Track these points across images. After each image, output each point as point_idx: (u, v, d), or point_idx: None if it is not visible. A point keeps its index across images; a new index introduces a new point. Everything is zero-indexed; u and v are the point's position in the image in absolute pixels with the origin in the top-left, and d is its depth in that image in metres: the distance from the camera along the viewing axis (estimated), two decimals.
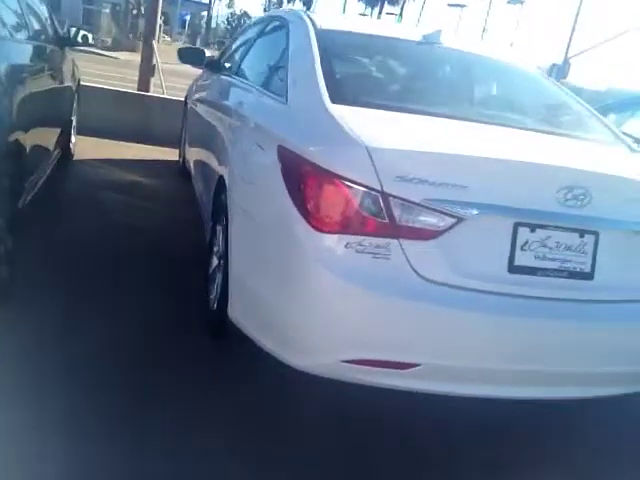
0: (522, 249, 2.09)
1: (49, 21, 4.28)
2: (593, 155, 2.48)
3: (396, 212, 1.97)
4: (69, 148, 5.10)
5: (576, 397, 2.30)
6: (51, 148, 4.03)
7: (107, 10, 31.15)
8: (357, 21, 4.70)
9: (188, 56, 4.59)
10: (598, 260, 2.17)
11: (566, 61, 23.63)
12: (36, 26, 3.75)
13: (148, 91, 8.47)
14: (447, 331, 2.04)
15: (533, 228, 2.08)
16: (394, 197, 1.96)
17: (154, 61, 8.60)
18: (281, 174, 2.18)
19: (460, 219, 2.00)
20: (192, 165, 4.68)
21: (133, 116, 6.95)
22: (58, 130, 4.35)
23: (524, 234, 2.08)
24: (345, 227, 1.99)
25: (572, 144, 2.55)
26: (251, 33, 4.19)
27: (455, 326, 2.04)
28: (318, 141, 2.17)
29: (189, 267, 3.46)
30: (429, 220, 1.99)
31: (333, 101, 2.32)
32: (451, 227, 2.00)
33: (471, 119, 2.48)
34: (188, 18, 47.56)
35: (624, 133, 5.30)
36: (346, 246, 1.98)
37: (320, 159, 2.04)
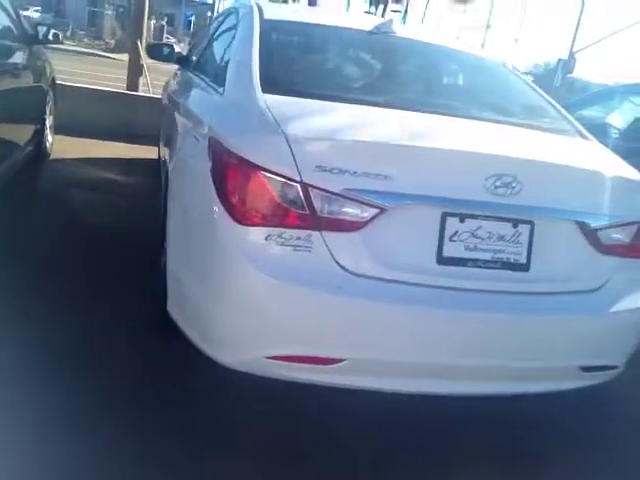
0: (451, 240, 2.03)
1: (15, 20, 4.26)
2: (530, 143, 2.39)
3: (316, 203, 1.91)
4: (43, 147, 5.07)
5: (513, 393, 2.24)
6: (18, 144, 4.03)
7: (110, 12, 31.30)
8: (309, 11, 4.62)
9: (157, 52, 4.51)
10: (534, 251, 2.10)
11: (571, 56, 23.38)
12: None
13: (137, 90, 8.47)
14: (373, 325, 1.98)
15: (462, 218, 2.02)
16: (313, 187, 1.90)
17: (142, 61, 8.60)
18: (209, 166, 2.13)
19: (383, 210, 1.94)
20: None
21: (118, 115, 6.89)
22: (26, 128, 4.33)
23: (453, 224, 2.02)
24: (265, 219, 1.93)
25: (513, 132, 2.46)
26: (214, 26, 4.15)
27: (381, 319, 1.98)
28: (241, 132, 2.11)
29: (148, 264, 3.41)
30: (351, 211, 1.93)
31: (264, 91, 2.26)
32: (374, 218, 1.94)
33: (410, 108, 2.39)
34: (193, 19, 47.50)
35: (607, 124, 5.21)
36: (267, 239, 1.92)
37: (240, 149, 1.99)
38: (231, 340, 2.05)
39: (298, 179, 1.90)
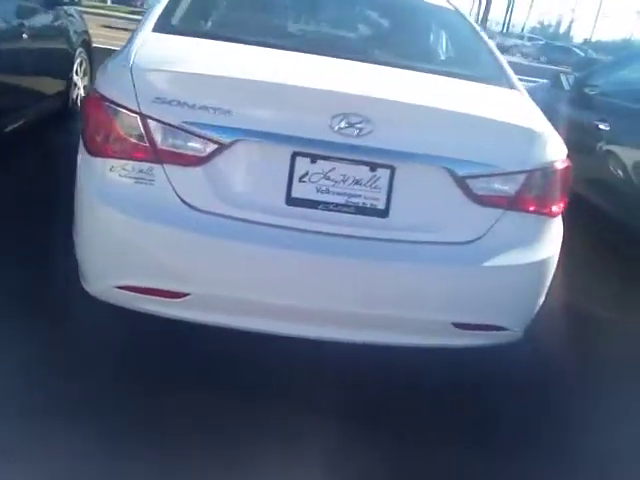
0: (301, 180, 1.98)
1: None
2: (408, 85, 2.26)
3: (156, 135, 1.93)
4: (70, 105, 5.38)
5: (384, 343, 2.17)
6: (39, 100, 4.59)
7: None
8: None
9: None
10: (394, 197, 2.01)
11: None
12: None
13: None
14: (217, 262, 1.99)
15: (314, 159, 1.96)
16: (153, 119, 1.92)
17: None
18: None
19: (223, 145, 1.92)
20: None
21: None
22: (49, 86, 4.75)
23: (303, 165, 1.97)
24: (109, 151, 1.96)
25: (406, 76, 2.34)
26: None
27: (225, 257, 1.98)
28: (104, 67, 2.17)
29: None
30: (191, 145, 1.93)
31: (154, 30, 2.30)
32: (215, 153, 1.93)
33: (304, 50, 2.33)
34: None
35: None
36: (111, 170, 1.96)
37: (96, 83, 2.06)
38: (89, 270, 2.12)
39: (137, 110, 1.92)
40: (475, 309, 2.13)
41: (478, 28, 2.97)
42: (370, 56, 2.49)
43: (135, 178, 1.96)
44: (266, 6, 2.99)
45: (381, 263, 2.02)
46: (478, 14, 38.30)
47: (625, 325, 3.25)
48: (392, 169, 1.99)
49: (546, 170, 2.11)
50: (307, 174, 1.97)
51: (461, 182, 2.02)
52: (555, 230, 2.21)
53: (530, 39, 49.63)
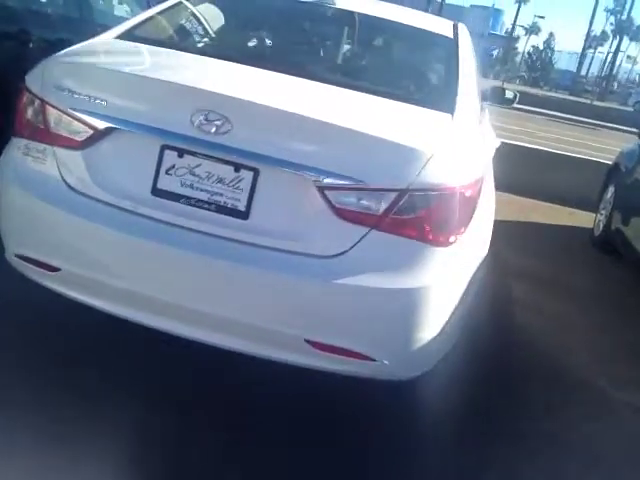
0: (167, 173, 2.04)
1: None
2: (295, 95, 2.23)
3: (50, 119, 2.12)
4: None
5: (239, 350, 2.11)
6: None
7: None
8: None
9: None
10: (256, 200, 1.99)
11: None
12: None
13: None
14: (80, 241, 2.11)
15: (181, 153, 2.02)
16: (48, 104, 2.11)
17: None
18: None
19: (100, 132, 2.05)
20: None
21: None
22: None
23: (171, 158, 2.03)
24: (21, 131, 2.20)
25: (328, 92, 2.30)
26: None
27: (87, 237, 2.09)
28: None
29: None
30: (74, 129, 2.08)
31: (117, 37, 2.52)
32: (93, 139, 2.07)
33: (233, 59, 2.42)
34: (495, 53, 47.40)
35: None
36: (18, 149, 2.20)
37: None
38: (2, 238, 2.34)
39: (39, 95, 2.13)
40: (328, 328, 2.00)
41: (466, 60, 2.78)
42: (297, 69, 2.45)
43: (33, 157, 2.16)
44: (223, 18, 3.12)
45: (234, 265, 1.98)
46: None
47: None
48: (256, 172, 1.97)
49: (426, 192, 1.95)
50: (173, 167, 2.03)
51: (326, 194, 1.94)
52: (439, 260, 2.01)
53: None
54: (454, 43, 2.89)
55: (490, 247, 2.39)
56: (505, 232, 5.08)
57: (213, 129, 1.93)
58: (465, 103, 2.41)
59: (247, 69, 2.35)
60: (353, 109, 2.21)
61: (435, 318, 2.07)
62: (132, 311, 2.12)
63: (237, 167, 1.98)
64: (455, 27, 3.10)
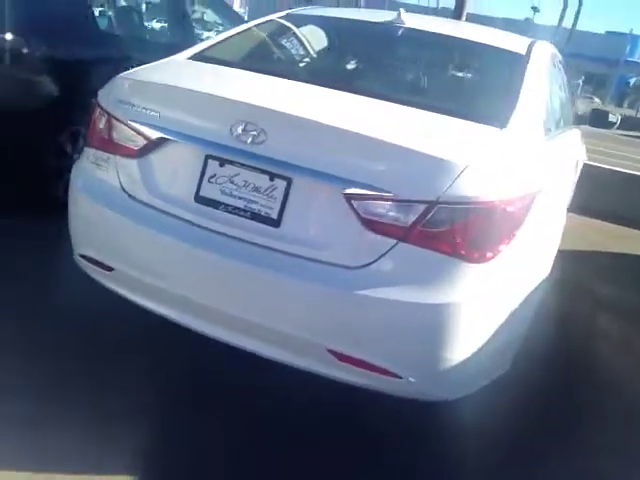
0: (209, 181, 2.13)
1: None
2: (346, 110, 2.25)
3: (113, 130, 2.30)
4: None
5: (263, 354, 2.14)
6: None
7: None
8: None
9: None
10: (288, 208, 2.03)
11: None
12: None
13: None
14: (133, 243, 2.25)
15: (222, 163, 2.11)
16: (113, 117, 2.30)
17: None
18: None
19: (153, 142, 2.19)
20: None
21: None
22: None
23: (213, 167, 2.13)
24: (91, 142, 2.41)
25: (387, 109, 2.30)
26: None
27: (136, 240, 2.24)
28: None
29: None
30: (131, 139, 2.24)
31: (190, 58, 2.71)
32: (146, 148, 2.21)
33: (290, 76, 2.52)
34: (633, 81, 44.53)
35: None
36: (88, 158, 2.41)
37: None
38: (71, 239, 2.55)
39: (107, 109, 2.33)
40: (350, 339, 1.98)
41: (534, 76, 2.67)
42: (358, 87, 2.53)
43: (98, 165, 2.36)
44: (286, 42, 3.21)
45: (265, 271, 2.03)
46: None
47: None
48: (289, 181, 2.02)
49: (458, 205, 1.89)
50: (215, 176, 2.12)
51: (350, 203, 1.94)
52: (473, 276, 1.93)
53: None
54: (524, 60, 2.80)
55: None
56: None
57: (249, 139, 2.01)
58: (523, 118, 2.32)
59: (291, 84, 2.45)
60: (389, 122, 2.19)
61: (469, 337, 1.98)
62: (170, 310, 2.24)
63: (272, 176, 2.03)
64: (531, 45, 3.00)
